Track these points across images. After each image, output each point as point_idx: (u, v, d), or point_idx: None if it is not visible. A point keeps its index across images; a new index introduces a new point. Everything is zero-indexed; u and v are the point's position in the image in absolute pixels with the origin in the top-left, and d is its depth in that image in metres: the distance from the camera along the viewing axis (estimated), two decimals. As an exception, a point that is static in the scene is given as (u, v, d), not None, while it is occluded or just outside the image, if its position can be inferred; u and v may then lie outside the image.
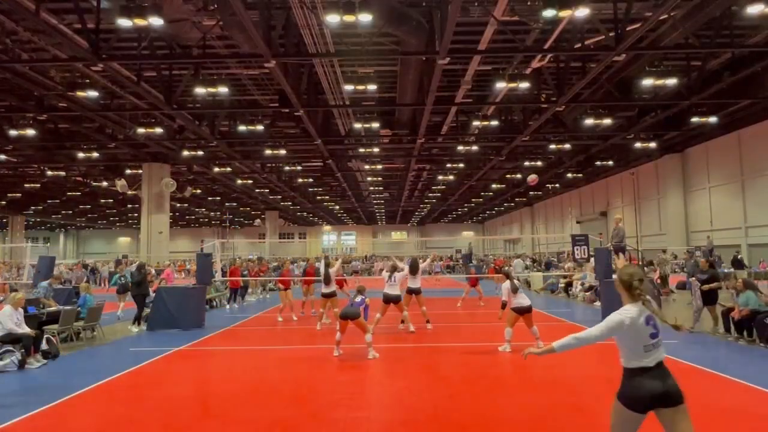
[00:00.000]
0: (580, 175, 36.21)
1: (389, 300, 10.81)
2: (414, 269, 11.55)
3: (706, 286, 10.51)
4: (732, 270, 21.52)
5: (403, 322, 11.37)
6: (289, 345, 10.45)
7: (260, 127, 19.95)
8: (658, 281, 16.45)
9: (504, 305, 9.03)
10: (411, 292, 11.60)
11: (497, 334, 10.85)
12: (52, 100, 18.24)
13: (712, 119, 20.46)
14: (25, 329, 8.53)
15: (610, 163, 31.39)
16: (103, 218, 61.49)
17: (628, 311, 3.28)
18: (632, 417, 3.24)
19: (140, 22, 10.51)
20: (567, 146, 26.27)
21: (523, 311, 8.84)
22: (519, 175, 35.56)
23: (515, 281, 9.04)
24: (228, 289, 17.94)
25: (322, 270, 11.76)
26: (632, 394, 3.23)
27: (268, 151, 24.59)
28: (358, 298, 8.74)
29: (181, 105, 17.60)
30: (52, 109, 18.72)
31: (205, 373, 7.93)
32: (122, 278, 15.08)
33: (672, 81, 15.01)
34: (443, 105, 19.42)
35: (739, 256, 22.96)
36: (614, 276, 8.77)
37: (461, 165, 30.69)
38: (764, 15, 12.36)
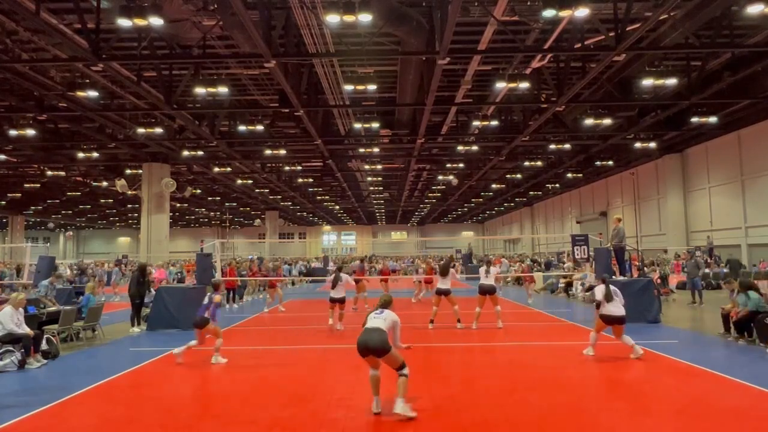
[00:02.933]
0: (580, 175, 36.20)
1: (441, 293, 11.62)
2: (445, 271, 11.72)
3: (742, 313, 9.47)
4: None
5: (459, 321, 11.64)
6: (289, 345, 10.45)
7: (260, 127, 19.95)
8: (658, 281, 16.43)
9: (599, 306, 8.35)
10: (440, 293, 11.68)
11: (497, 335, 10.86)
12: (52, 100, 18.23)
13: (712, 119, 20.45)
14: (26, 329, 8.53)
15: (610, 163, 31.39)
16: (103, 218, 61.48)
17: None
18: (362, 358, 5.63)
19: (140, 22, 10.50)
20: (567, 146, 26.26)
21: (613, 321, 8.15)
22: (519, 175, 35.60)
23: (611, 287, 8.36)
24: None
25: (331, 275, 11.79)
26: (357, 342, 5.57)
27: (268, 151, 24.59)
28: (206, 299, 8.38)
29: (181, 105, 17.59)
30: (52, 109, 18.72)
31: (205, 373, 7.93)
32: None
33: (672, 81, 15.00)
34: (443, 105, 19.42)
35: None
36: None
37: (461, 165, 30.69)
38: (764, 15, 12.36)
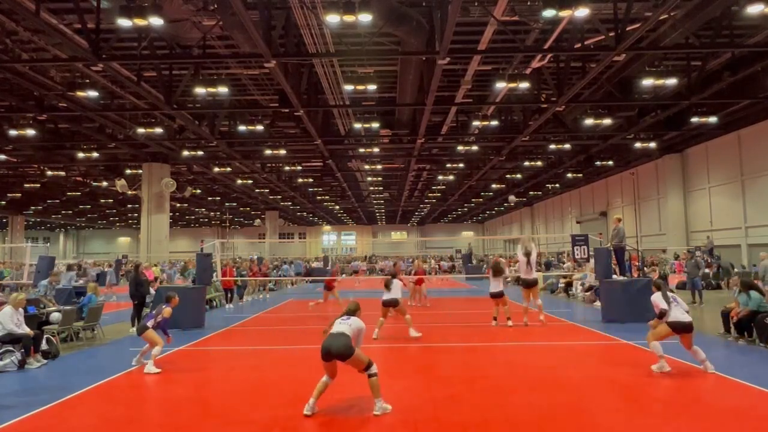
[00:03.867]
0: (580, 175, 36.17)
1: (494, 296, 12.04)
2: (498, 272, 12.12)
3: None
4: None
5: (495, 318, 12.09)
6: (289, 345, 10.45)
7: (260, 127, 19.95)
8: (658, 281, 16.41)
9: (662, 315, 7.40)
10: (493, 296, 12.06)
11: (498, 335, 10.87)
12: (52, 100, 18.23)
13: (712, 119, 20.44)
14: (25, 329, 8.52)
15: (610, 163, 31.37)
16: (103, 218, 61.46)
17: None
18: (323, 363, 5.67)
19: (140, 22, 10.50)
20: (567, 146, 26.25)
21: (684, 329, 7.26)
22: (519, 175, 35.60)
23: (669, 292, 7.56)
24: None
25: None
26: (321, 346, 5.64)
27: (268, 151, 24.59)
28: (155, 309, 8.23)
29: (181, 105, 17.59)
30: (52, 109, 18.72)
31: (205, 373, 7.93)
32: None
33: (672, 81, 15.00)
34: (443, 105, 19.41)
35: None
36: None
37: (461, 165, 30.69)
38: (764, 15, 12.36)
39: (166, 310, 8.21)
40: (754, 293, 9.37)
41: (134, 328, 12.13)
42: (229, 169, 30.46)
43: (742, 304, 9.52)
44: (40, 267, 14.83)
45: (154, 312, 8.26)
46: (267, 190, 39.96)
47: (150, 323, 8.03)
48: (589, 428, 5.21)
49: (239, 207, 51.89)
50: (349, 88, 16.02)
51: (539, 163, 29.70)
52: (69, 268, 20.05)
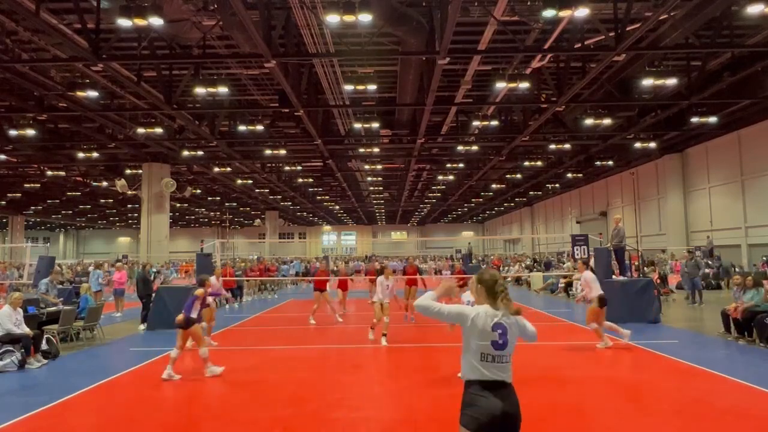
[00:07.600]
0: (580, 175, 36.15)
1: None
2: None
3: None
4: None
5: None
6: (289, 345, 10.45)
7: (260, 127, 19.94)
8: (658, 281, 16.44)
9: None
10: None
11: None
12: (52, 100, 18.22)
13: (712, 119, 20.42)
14: (24, 329, 8.52)
15: (610, 163, 31.36)
16: (103, 218, 61.47)
17: (479, 308, 3.04)
18: None
19: (140, 22, 10.49)
20: (567, 146, 26.24)
21: None
22: (519, 175, 35.61)
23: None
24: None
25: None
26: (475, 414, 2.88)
27: (268, 151, 24.58)
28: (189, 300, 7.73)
29: (181, 105, 17.58)
30: (52, 109, 18.71)
31: (204, 374, 7.92)
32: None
33: (672, 81, 14.98)
34: (443, 105, 19.40)
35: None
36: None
37: (461, 165, 30.70)
38: (764, 15, 12.36)
39: (199, 291, 7.82)
40: (761, 289, 9.45)
41: (142, 326, 12.33)
42: (229, 169, 30.45)
43: (747, 299, 9.56)
44: (40, 267, 14.83)
45: (189, 302, 7.67)
46: (267, 190, 39.96)
47: (194, 314, 7.57)
48: (589, 428, 5.21)
49: (239, 207, 51.88)
50: (349, 88, 16.01)
51: (539, 163, 29.66)
52: (97, 266, 20.28)
